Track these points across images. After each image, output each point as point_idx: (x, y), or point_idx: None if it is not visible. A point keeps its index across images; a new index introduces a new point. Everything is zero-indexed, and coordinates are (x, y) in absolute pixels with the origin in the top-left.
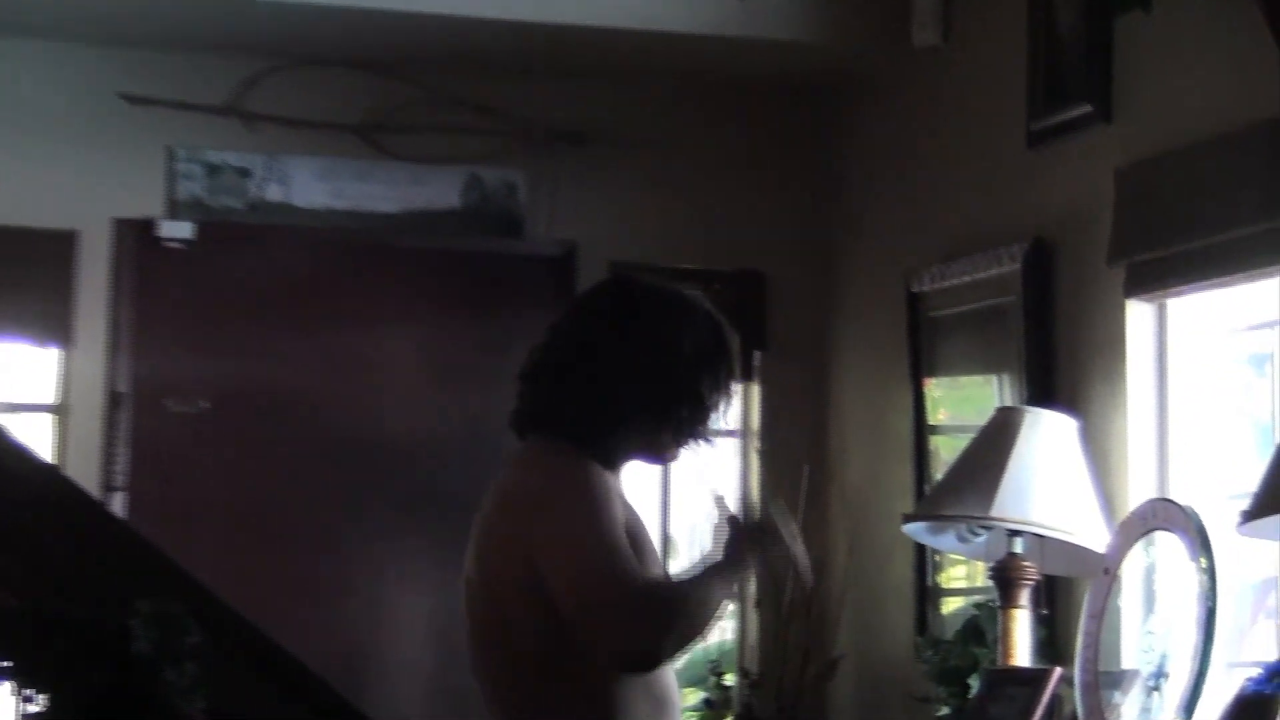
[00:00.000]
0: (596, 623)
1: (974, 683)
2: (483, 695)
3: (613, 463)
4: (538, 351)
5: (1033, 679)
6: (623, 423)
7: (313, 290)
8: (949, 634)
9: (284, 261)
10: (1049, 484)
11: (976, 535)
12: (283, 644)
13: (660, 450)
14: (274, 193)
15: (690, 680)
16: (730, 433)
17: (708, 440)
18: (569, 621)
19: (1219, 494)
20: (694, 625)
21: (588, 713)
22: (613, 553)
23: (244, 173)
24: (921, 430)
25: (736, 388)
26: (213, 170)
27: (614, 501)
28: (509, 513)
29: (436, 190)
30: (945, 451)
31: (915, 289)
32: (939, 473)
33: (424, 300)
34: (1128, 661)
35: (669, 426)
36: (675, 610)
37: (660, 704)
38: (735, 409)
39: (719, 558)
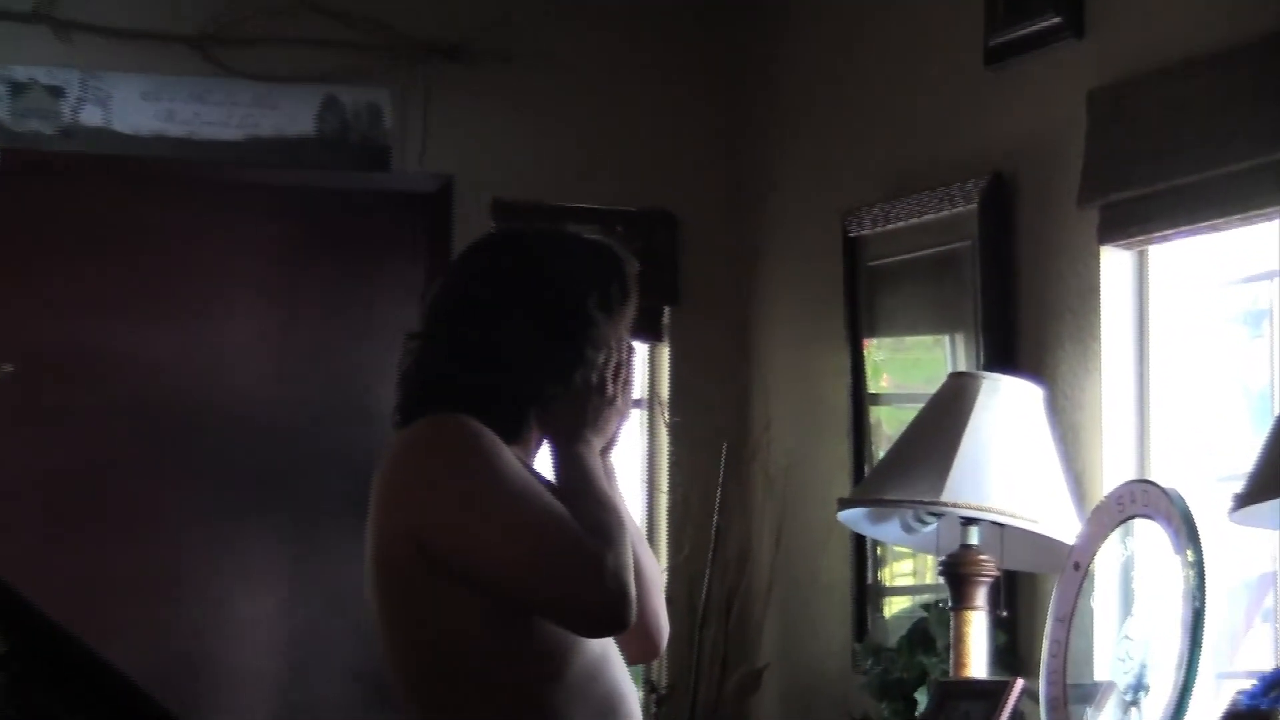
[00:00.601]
0: (559, 581)
1: (921, 697)
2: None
3: (520, 436)
4: (411, 341)
5: (990, 693)
6: (528, 389)
7: (139, 232)
8: (892, 640)
9: (104, 198)
10: (1009, 463)
11: (925, 524)
12: (103, 651)
13: (571, 421)
14: (92, 116)
15: None
16: (635, 402)
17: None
18: (516, 600)
19: (1208, 475)
20: (620, 533)
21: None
22: (534, 501)
23: (56, 92)
24: (860, 400)
25: (637, 344)
26: (18, 89)
27: (505, 451)
28: (386, 506)
29: (287, 114)
30: (888, 425)
31: (853, 233)
32: (881, 450)
33: (272, 244)
34: (1101, 672)
35: (579, 386)
36: (611, 527)
37: (605, 713)
38: (639, 372)
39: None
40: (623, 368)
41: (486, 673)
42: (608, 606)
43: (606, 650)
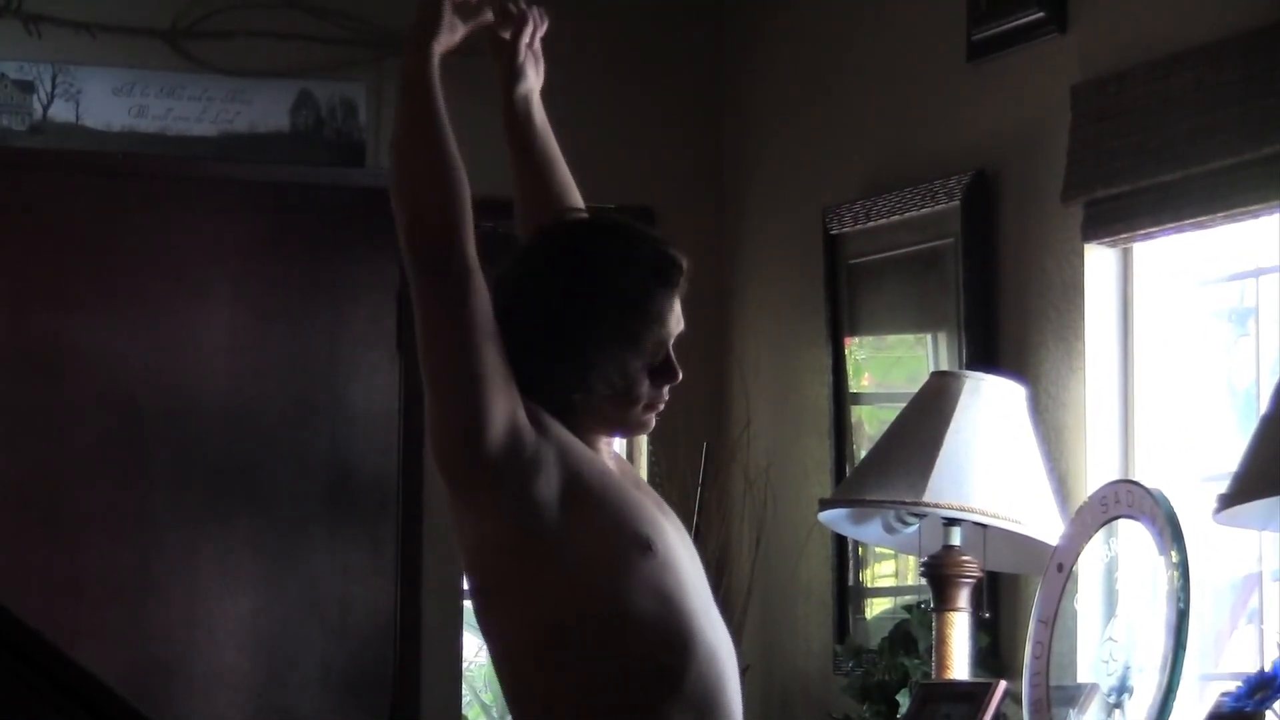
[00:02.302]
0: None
1: (903, 700)
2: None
3: (579, 429)
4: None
5: (972, 695)
6: (586, 373)
7: (111, 229)
8: (874, 642)
9: (74, 194)
10: (992, 464)
11: (906, 525)
12: (74, 653)
13: (631, 406)
14: (62, 111)
15: None
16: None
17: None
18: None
19: (1192, 476)
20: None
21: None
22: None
23: (25, 87)
24: (841, 399)
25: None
26: None
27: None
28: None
29: (260, 109)
30: (870, 424)
31: (834, 230)
32: (862, 450)
33: (246, 240)
34: (1084, 674)
35: (633, 363)
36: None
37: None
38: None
39: None
40: (670, 365)
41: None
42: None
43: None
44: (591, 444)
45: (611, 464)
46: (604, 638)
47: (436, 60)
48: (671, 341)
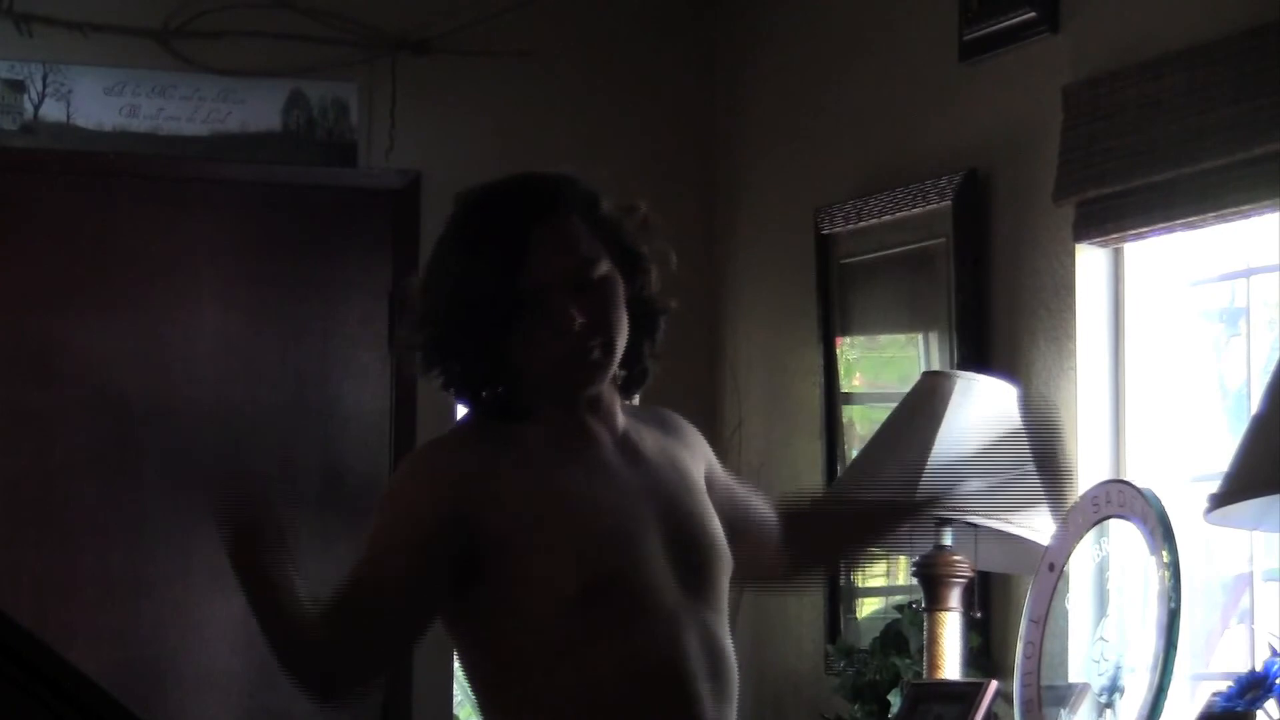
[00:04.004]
0: None
1: (895, 700)
2: None
3: (517, 409)
4: None
5: (964, 694)
6: (479, 357)
7: (102, 229)
8: (865, 641)
9: (65, 195)
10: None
11: None
12: (66, 654)
13: (552, 362)
14: (53, 111)
15: None
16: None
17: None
18: None
19: (1183, 475)
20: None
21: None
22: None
23: (16, 86)
24: (833, 399)
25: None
26: None
27: (424, 485)
28: None
29: (252, 109)
30: (861, 424)
31: (825, 230)
32: (854, 450)
33: (237, 241)
34: (1076, 674)
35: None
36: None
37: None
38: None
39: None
40: (549, 309)
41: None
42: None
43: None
44: (558, 423)
45: (605, 441)
46: (559, 682)
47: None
48: (565, 278)
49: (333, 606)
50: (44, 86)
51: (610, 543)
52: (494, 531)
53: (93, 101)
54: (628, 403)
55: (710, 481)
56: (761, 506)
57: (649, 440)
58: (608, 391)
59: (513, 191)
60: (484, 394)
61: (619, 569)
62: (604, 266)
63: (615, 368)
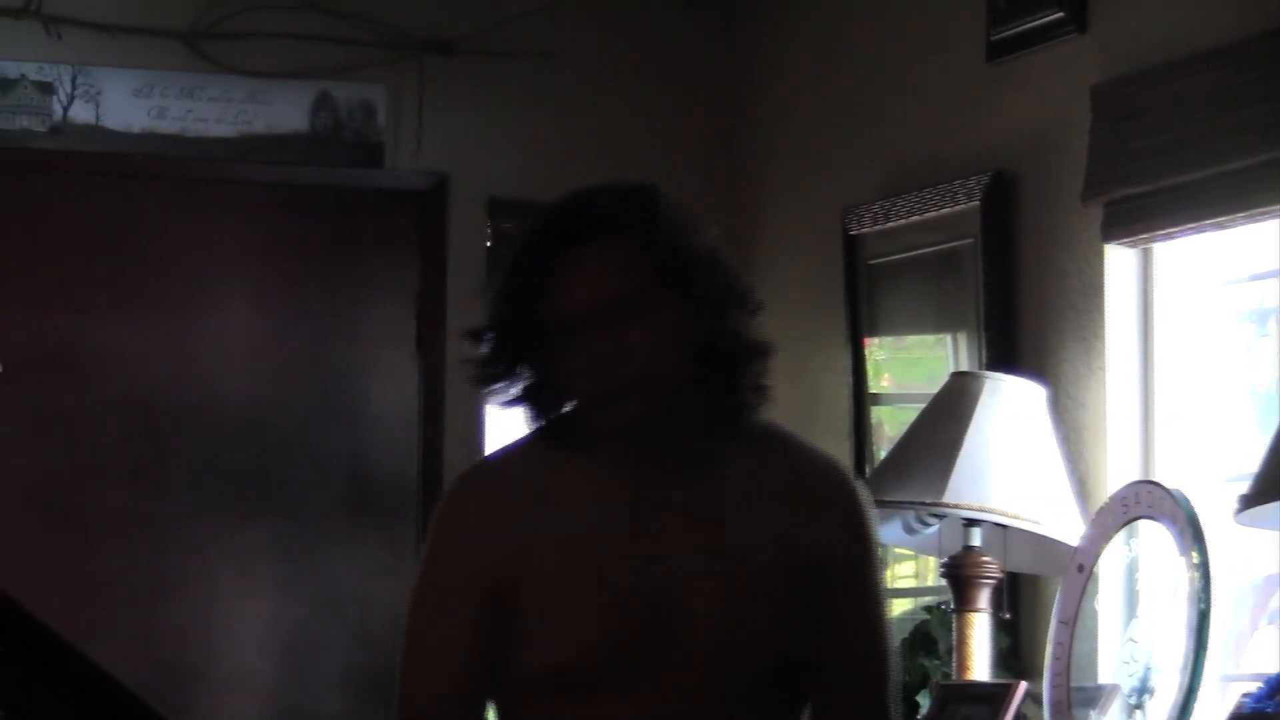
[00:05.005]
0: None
1: (924, 700)
2: None
3: (580, 439)
4: None
5: (993, 696)
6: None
7: (129, 230)
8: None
9: (94, 196)
10: (1012, 464)
11: (927, 525)
12: (93, 654)
13: (575, 391)
14: (82, 112)
15: None
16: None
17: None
18: None
19: (1213, 476)
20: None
21: None
22: (419, 610)
23: (45, 88)
24: (861, 400)
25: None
26: (7, 85)
27: (464, 529)
28: None
29: (280, 111)
30: (889, 425)
31: (853, 231)
32: (882, 450)
33: (264, 242)
34: (1105, 675)
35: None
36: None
37: None
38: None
39: None
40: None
41: None
42: None
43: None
44: (611, 459)
45: (651, 487)
46: None
47: None
48: (577, 315)
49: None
50: (73, 88)
51: (586, 626)
52: (511, 590)
53: (121, 103)
54: (783, 442)
55: (824, 584)
56: (848, 685)
57: (743, 494)
58: (672, 429)
59: (555, 210)
60: (547, 413)
61: (579, 664)
62: (640, 297)
63: (657, 405)
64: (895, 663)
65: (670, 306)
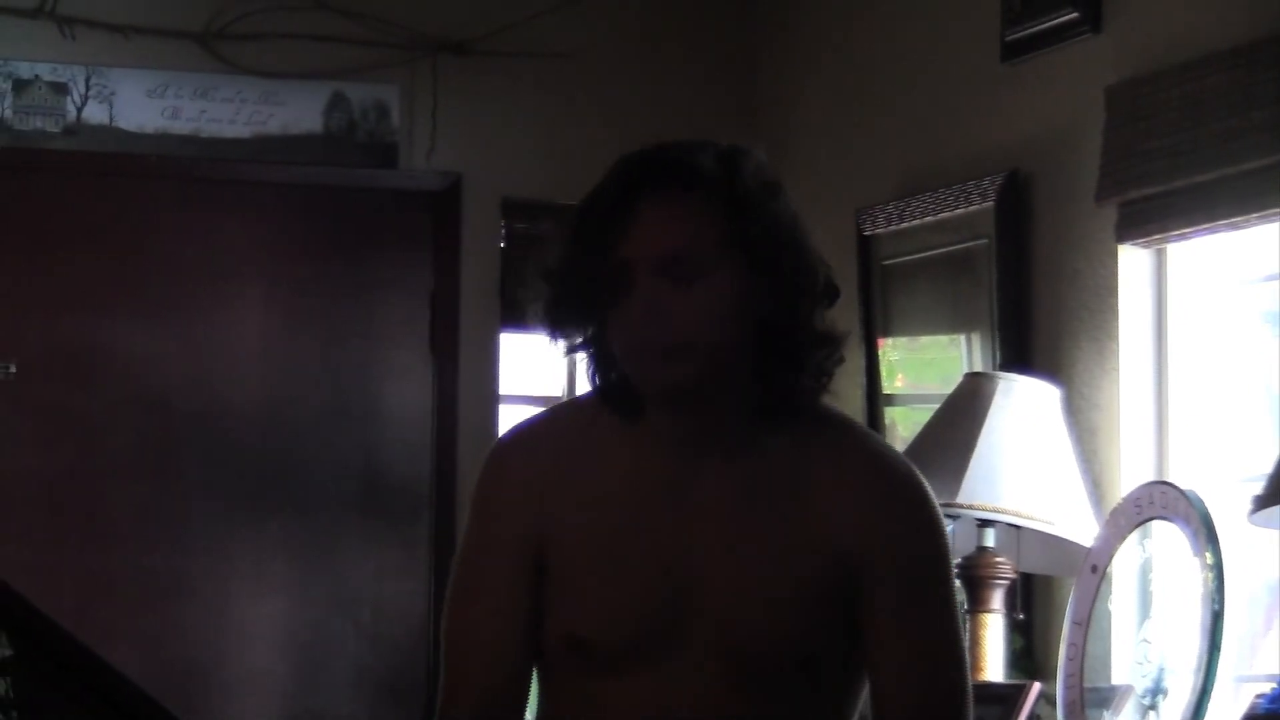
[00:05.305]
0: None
1: None
2: None
3: (628, 405)
4: None
5: (1007, 696)
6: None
7: (143, 231)
8: None
9: (108, 196)
10: (1026, 465)
11: None
12: (107, 655)
13: (626, 362)
14: (96, 113)
15: None
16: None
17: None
18: None
19: (1227, 477)
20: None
21: None
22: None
23: (60, 88)
24: (875, 400)
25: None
26: (21, 85)
27: (505, 491)
28: None
29: (293, 111)
30: (903, 426)
31: (867, 231)
32: None
33: (278, 242)
34: (1119, 676)
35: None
36: None
37: None
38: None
39: None
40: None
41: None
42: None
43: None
44: (654, 433)
45: (692, 469)
46: None
47: None
48: (635, 261)
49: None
50: (86, 89)
51: (603, 599)
52: (543, 553)
53: (135, 104)
54: (841, 426)
55: (871, 584)
56: (900, 695)
57: (785, 484)
58: (720, 406)
59: (635, 156)
60: (602, 370)
61: (591, 635)
62: (704, 253)
63: (706, 373)
64: (961, 677)
65: (735, 271)
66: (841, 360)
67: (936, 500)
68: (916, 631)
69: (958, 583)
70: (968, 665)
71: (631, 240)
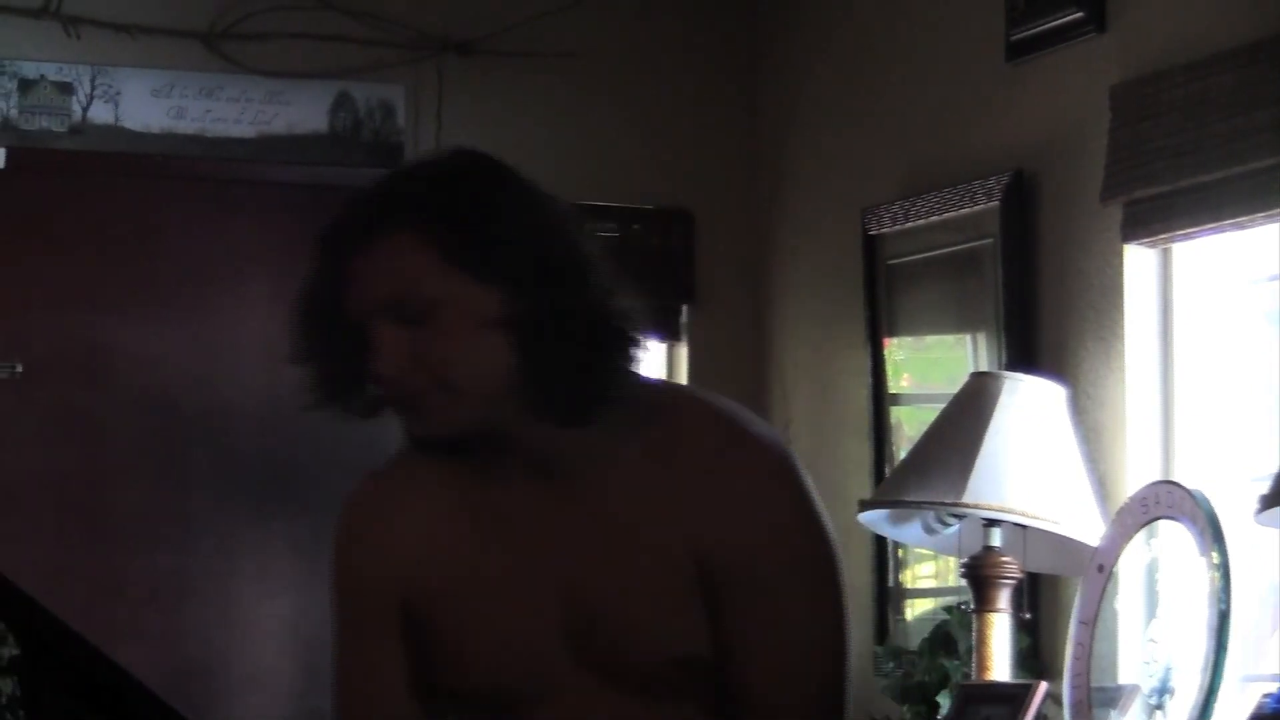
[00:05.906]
0: None
1: (944, 701)
2: None
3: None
4: None
5: (1013, 696)
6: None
7: (149, 231)
8: (914, 643)
9: (113, 196)
10: (1032, 464)
11: (946, 525)
12: (115, 655)
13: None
14: (101, 112)
15: None
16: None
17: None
18: None
19: (1234, 476)
20: None
21: None
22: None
23: (65, 88)
24: (881, 400)
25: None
26: (26, 85)
27: (358, 553)
28: None
29: (299, 111)
30: (909, 425)
31: (873, 231)
32: (902, 451)
33: (283, 242)
34: (1126, 675)
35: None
36: None
37: None
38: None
39: None
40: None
41: None
42: None
43: None
44: (465, 464)
45: (517, 492)
46: None
47: None
48: (357, 318)
49: None
50: (92, 88)
51: (477, 655)
52: (415, 617)
53: (140, 103)
54: (646, 415)
55: (708, 567)
56: (748, 681)
57: (624, 488)
58: (516, 429)
59: (344, 204)
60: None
61: (482, 688)
62: (420, 290)
63: (467, 414)
64: (831, 669)
65: (470, 294)
66: (635, 344)
67: (798, 471)
68: (771, 624)
69: (963, 581)
70: (842, 654)
71: (350, 294)
